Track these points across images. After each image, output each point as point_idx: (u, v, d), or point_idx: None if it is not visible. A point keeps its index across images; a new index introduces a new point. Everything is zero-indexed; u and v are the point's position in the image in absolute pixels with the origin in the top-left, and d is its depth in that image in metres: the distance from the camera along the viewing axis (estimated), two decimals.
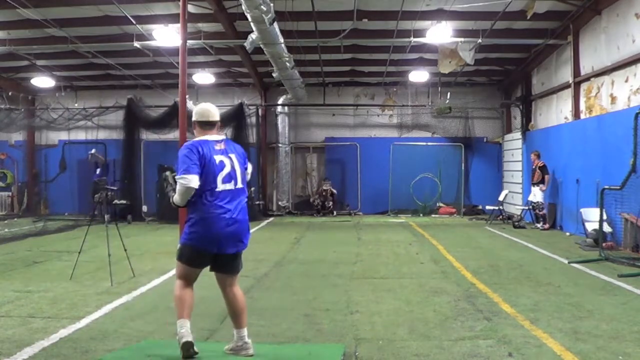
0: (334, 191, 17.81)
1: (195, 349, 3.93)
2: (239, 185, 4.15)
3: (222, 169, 4.06)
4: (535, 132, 15.51)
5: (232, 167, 4.12)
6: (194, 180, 3.90)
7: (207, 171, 3.98)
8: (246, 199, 4.25)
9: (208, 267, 4.15)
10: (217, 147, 4.12)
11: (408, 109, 18.50)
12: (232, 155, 4.16)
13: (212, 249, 4.01)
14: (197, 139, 4.19)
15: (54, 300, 6.08)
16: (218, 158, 4.07)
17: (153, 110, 17.09)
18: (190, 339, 3.92)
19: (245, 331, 4.14)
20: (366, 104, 18.61)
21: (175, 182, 4.02)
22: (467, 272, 7.69)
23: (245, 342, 4.11)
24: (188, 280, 4.16)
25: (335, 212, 17.57)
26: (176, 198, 4.04)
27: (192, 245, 4.04)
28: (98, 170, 16.46)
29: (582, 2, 11.64)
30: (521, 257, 9.11)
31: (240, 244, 4.13)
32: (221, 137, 4.28)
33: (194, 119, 4.32)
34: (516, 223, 13.92)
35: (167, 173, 4.75)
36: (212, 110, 4.34)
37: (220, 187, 4.03)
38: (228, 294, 4.18)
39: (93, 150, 16.91)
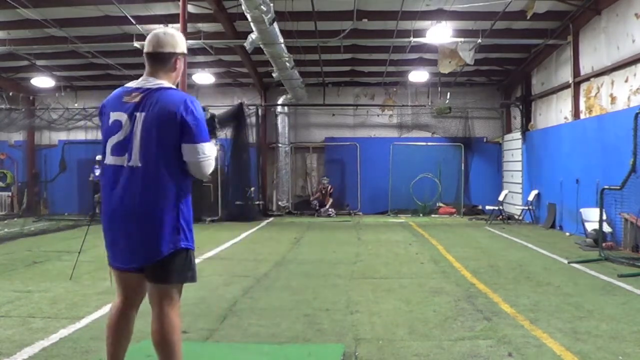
0: (329, 187, 17.72)
1: None
2: (136, 162, 2.81)
3: (113, 133, 2.87)
4: (535, 132, 15.51)
5: (132, 131, 2.83)
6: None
7: (103, 137, 2.94)
8: (165, 189, 2.82)
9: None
10: (127, 98, 2.90)
11: (408, 109, 18.50)
12: (142, 114, 2.83)
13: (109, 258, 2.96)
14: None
15: (54, 300, 6.08)
16: (114, 116, 2.89)
17: None
18: None
19: None
20: (366, 104, 18.62)
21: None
22: (467, 272, 7.69)
23: None
24: (117, 298, 3.09)
25: (333, 212, 17.51)
26: None
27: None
28: (97, 171, 16.46)
29: (582, 2, 11.65)
30: (521, 257, 9.11)
31: (136, 255, 2.86)
32: (149, 84, 2.95)
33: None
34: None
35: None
36: (160, 35, 3.00)
37: (108, 160, 2.90)
38: (152, 315, 2.96)
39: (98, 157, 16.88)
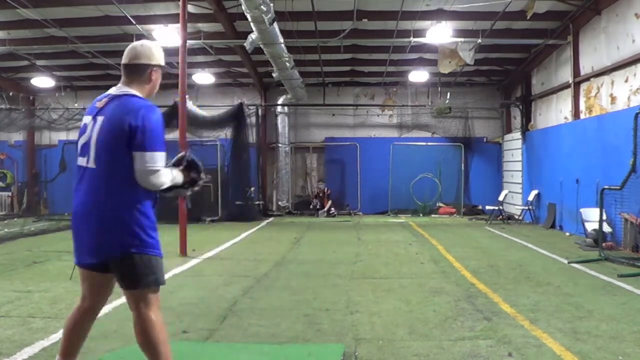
0: (325, 189, 17.73)
1: None
2: (92, 164, 2.92)
3: (81, 134, 3.03)
4: (535, 132, 15.51)
5: (91, 134, 2.95)
6: None
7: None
8: (117, 193, 2.90)
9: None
10: (98, 104, 3.03)
11: (408, 109, 18.50)
12: (101, 119, 2.94)
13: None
14: None
15: (54, 300, 6.08)
16: (85, 119, 3.05)
17: None
18: None
19: None
20: (366, 104, 18.62)
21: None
22: (467, 272, 7.69)
23: None
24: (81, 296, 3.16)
25: (334, 211, 17.53)
26: None
27: None
28: None
29: (582, 2, 11.65)
30: (521, 257, 9.11)
31: (90, 254, 2.96)
32: (118, 91, 3.06)
33: None
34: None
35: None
36: (136, 47, 3.12)
37: (77, 160, 3.03)
38: (132, 319, 3.03)
39: None
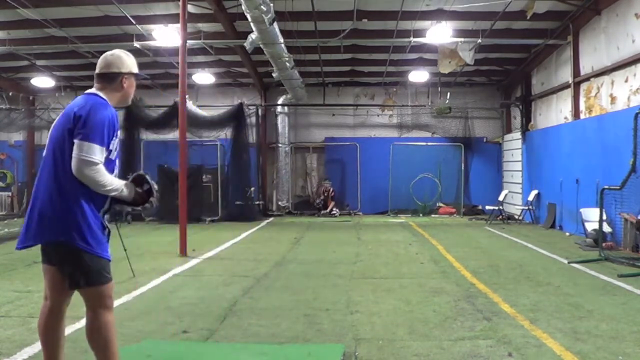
0: (331, 190, 17.76)
1: None
2: (48, 155, 3.10)
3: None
4: (535, 132, 15.51)
5: (52, 128, 3.17)
6: None
7: None
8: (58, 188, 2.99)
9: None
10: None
11: (408, 109, 18.50)
12: (61, 113, 3.16)
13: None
14: None
15: None
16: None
17: (153, 110, 17.07)
18: None
19: None
20: (366, 104, 18.62)
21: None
22: (466, 272, 7.69)
23: None
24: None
25: (337, 211, 17.54)
26: None
27: None
28: None
29: (582, 2, 11.65)
30: (521, 257, 9.11)
31: (39, 234, 3.02)
32: (86, 91, 3.21)
33: None
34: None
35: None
36: (107, 57, 3.26)
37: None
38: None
39: None
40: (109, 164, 3.06)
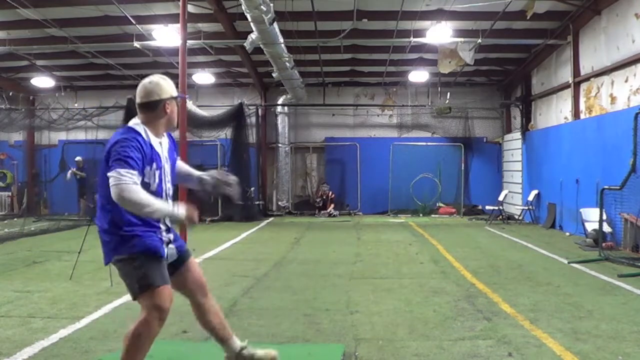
0: (330, 194, 17.76)
1: None
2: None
3: None
4: (535, 132, 15.51)
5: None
6: None
7: None
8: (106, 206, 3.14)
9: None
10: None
11: (408, 109, 18.50)
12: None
13: None
14: None
15: (54, 300, 6.08)
16: None
17: None
18: None
19: None
20: (366, 104, 18.62)
21: None
22: (466, 272, 7.70)
23: None
24: None
25: (336, 212, 17.54)
26: None
27: None
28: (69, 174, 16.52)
29: (582, 2, 11.65)
30: (521, 257, 9.11)
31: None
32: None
33: None
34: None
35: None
36: (146, 85, 3.27)
37: None
38: None
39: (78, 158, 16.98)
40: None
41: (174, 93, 3.31)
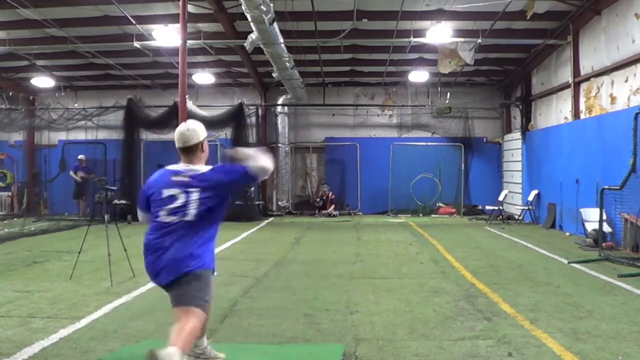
0: (330, 195, 17.76)
1: None
2: (188, 218, 3.60)
3: (171, 203, 3.61)
4: (535, 132, 15.51)
5: (186, 200, 3.61)
6: (139, 216, 3.86)
7: (152, 205, 3.69)
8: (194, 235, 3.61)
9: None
10: (176, 178, 3.65)
11: (408, 109, 18.49)
12: (193, 190, 3.64)
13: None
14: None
15: (54, 300, 6.08)
16: (167, 192, 3.64)
17: (153, 111, 17.08)
18: None
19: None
20: (366, 104, 18.61)
21: None
22: (466, 272, 7.70)
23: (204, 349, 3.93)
24: None
25: (336, 212, 17.55)
26: None
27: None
28: (80, 172, 16.65)
29: (582, 2, 11.65)
30: (521, 257, 9.11)
31: (165, 275, 3.57)
32: (194, 167, 3.70)
33: None
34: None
35: None
36: (184, 132, 3.73)
37: (161, 218, 3.63)
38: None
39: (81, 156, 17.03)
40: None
41: (206, 132, 3.84)
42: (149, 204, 3.71)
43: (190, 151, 3.73)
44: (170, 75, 16.63)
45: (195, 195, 3.60)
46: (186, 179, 3.65)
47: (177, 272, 3.51)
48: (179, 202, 3.60)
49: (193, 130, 3.74)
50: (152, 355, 3.14)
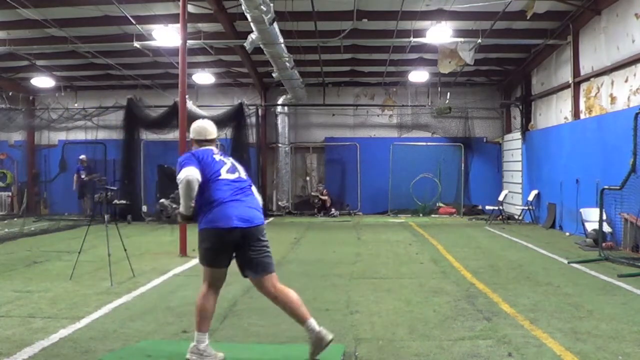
0: (325, 198, 17.74)
1: None
2: (243, 176, 4.33)
3: (223, 165, 4.23)
4: (535, 132, 15.51)
5: (233, 164, 4.33)
6: (192, 171, 3.97)
7: (208, 167, 4.12)
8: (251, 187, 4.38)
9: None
10: (216, 154, 4.28)
11: (408, 109, 18.50)
12: (230, 159, 4.39)
13: (230, 236, 4.14)
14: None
15: (54, 300, 6.08)
16: (218, 157, 4.25)
17: (153, 110, 17.08)
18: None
19: (311, 322, 4.06)
20: (366, 104, 18.62)
21: (173, 202, 4.32)
22: (466, 272, 7.70)
23: (318, 332, 4.01)
24: (212, 285, 4.41)
25: (336, 212, 17.54)
26: (182, 200, 4.07)
27: (210, 242, 4.23)
28: (83, 172, 16.71)
29: (581, 2, 11.65)
30: (521, 257, 9.11)
31: (253, 220, 4.23)
32: (220, 152, 4.43)
33: (191, 136, 4.41)
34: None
35: (162, 200, 4.62)
36: (209, 128, 4.43)
37: (224, 176, 4.17)
38: (272, 295, 4.32)
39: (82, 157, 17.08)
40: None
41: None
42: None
43: (212, 143, 4.43)
44: (170, 75, 16.63)
45: (233, 161, 4.44)
46: (221, 154, 4.40)
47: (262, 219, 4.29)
48: (228, 164, 4.33)
49: (212, 126, 4.49)
50: (327, 341, 3.92)
